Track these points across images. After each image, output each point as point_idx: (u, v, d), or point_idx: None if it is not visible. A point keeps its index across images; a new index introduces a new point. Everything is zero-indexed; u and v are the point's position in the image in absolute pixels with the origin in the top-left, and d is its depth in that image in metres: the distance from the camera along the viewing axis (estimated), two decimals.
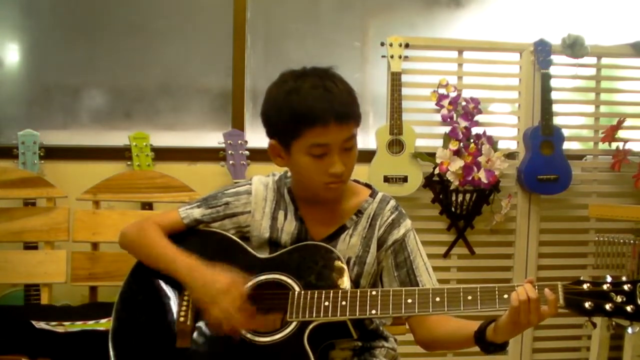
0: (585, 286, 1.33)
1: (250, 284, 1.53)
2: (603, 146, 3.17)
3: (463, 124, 2.94)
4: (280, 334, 1.45)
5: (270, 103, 1.53)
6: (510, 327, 1.36)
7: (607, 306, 1.30)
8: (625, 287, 1.30)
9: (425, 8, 3.38)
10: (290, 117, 1.47)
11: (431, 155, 2.91)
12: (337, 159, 1.49)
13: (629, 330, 1.31)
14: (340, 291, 1.47)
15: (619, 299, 1.30)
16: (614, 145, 3.13)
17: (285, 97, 1.48)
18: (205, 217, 1.64)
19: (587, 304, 1.31)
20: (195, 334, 1.50)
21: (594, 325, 1.33)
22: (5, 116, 2.99)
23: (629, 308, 1.29)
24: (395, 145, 2.90)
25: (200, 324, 1.52)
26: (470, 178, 2.86)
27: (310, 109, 1.44)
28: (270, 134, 1.55)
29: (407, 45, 2.94)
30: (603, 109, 3.23)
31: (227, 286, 1.45)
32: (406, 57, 2.95)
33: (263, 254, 1.61)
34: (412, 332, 1.59)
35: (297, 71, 1.53)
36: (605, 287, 1.32)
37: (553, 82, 3.01)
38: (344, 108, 1.46)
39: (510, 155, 3.06)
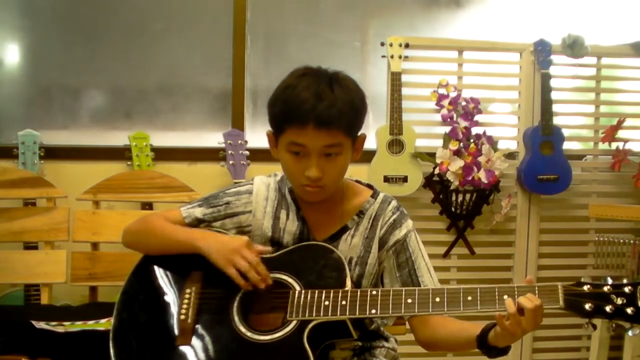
0: (585, 288, 1.32)
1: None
2: (603, 146, 3.16)
3: (463, 124, 2.94)
4: (280, 333, 1.46)
5: (273, 93, 1.55)
6: (509, 338, 1.36)
7: (608, 308, 1.30)
8: (626, 289, 1.30)
9: (425, 8, 3.38)
10: (278, 111, 1.50)
11: (431, 155, 2.91)
12: (314, 163, 1.48)
13: (630, 332, 1.31)
14: (340, 291, 1.47)
15: (619, 300, 1.30)
16: (614, 145, 3.13)
17: (281, 91, 1.51)
18: (207, 217, 1.65)
19: (587, 306, 1.31)
20: (195, 332, 1.50)
21: (594, 327, 1.33)
22: (5, 116, 2.99)
23: (629, 310, 1.29)
24: (395, 145, 2.91)
25: (201, 322, 1.52)
26: (470, 178, 2.86)
27: (294, 107, 1.46)
28: (269, 123, 1.58)
29: (407, 45, 2.94)
30: (603, 109, 3.23)
31: (241, 244, 1.51)
32: (406, 57, 2.95)
33: (264, 254, 1.61)
34: (414, 332, 1.59)
35: (307, 69, 1.54)
36: (605, 288, 1.31)
37: (553, 82, 3.00)
38: (327, 114, 1.45)
39: (510, 155, 3.06)
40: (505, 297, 1.36)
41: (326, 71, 1.53)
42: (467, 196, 2.96)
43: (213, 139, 2.89)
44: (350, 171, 1.60)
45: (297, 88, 1.48)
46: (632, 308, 1.29)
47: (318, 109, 1.44)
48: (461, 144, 2.91)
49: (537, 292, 1.34)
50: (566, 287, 1.34)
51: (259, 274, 1.50)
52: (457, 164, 2.86)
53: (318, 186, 1.52)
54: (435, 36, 3.21)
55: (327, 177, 1.51)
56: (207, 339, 1.50)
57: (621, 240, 2.86)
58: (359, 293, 1.47)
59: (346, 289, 1.48)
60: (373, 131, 2.91)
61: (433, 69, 3.06)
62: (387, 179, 2.90)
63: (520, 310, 1.32)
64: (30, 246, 2.52)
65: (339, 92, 1.48)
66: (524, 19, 3.32)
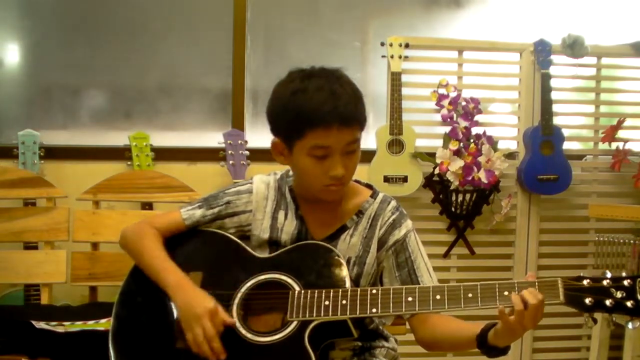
0: (585, 282, 1.33)
1: (247, 286, 1.54)
2: (603, 146, 3.16)
3: (463, 124, 2.94)
4: (281, 334, 1.45)
5: (276, 101, 1.52)
6: (509, 336, 1.35)
7: (607, 302, 1.30)
8: (625, 282, 1.31)
9: (425, 8, 3.38)
10: (294, 117, 1.46)
11: (431, 155, 2.91)
12: (339, 161, 1.48)
13: (629, 325, 1.32)
14: (340, 290, 1.47)
15: (618, 294, 1.30)
16: (614, 145, 3.13)
17: (290, 97, 1.47)
18: (207, 218, 1.64)
19: (587, 300, 1.31)
20: None
21: (595, 321, 1.33)
22: (5, 116, 2.99)
23: (629, 303, 1.29)
24: (395, 145, 2.91)
25: None
26: (470, 178, 2.86)
27: (314, 110, 1.44)
28: (274, 131, 1.55)
29: (407, 45, 2.94)
30: (603, 109, 3.23)
31: (210, 310, 1.45)
32: (406, 57, 2.95)
33: (263, 254, 1.60)
34: (413, 332, 1.59)
35: (305, 70, 1.52)
36: (605, 283, 1.32)
37: (553, 82, 3.01)
38: (348, 111, 1.45)
39: (510, 155, 3.06)
40: (508, 292, 1.35)
41: (326, 69, 1.53)
42: (467, 196, 2.96)
43: (213, 139, 2.89)
44: None
45: (308, 91, 1.46)
46: (631, 301, 1.29)
47: (339, 107, 1.44)
48: (461, 144, 2.91)
49: (537, 287, 1.34)
50: (566, 282, 1.34)
51: (212, 350, 1.44)
52: (457, 164, 2.86)
53: (341, 183, 1.52)
54: (435, 36, 3.21)
55: (348, 173, 1.52)
56: None
57: (621, 240, 2.85)
58: (359, 292, 1.46)
59: (346, 288, 1.48)
60: (373, 131, 2.91)
61: (433, 69, 3.06)
62: (387, 179, 2.90)
63: (524, 304, 1.32)
64: (30, 246, 2.52)
65: (347, 87, 1.49)
66: (524, 19, 3.33)
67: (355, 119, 1.48)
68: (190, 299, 1.48)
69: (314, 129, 1.44)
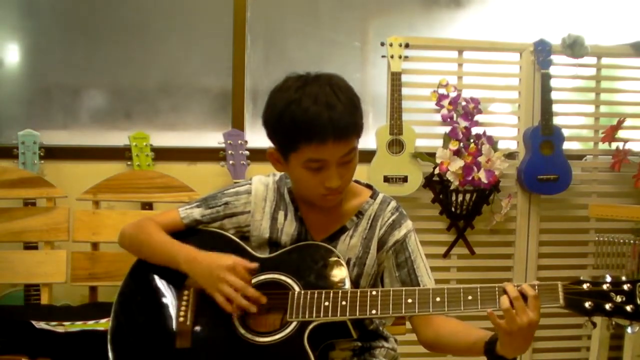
0: (585, 286, 1.33)
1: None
2: (603, 146, 3.16)
3: (463, 124, 2.94)
4: (280, 334, 1.45)
5: (271, 109, 1.50)
6: (509, 340, 1.34)
7: (607, 306, 1.30)
8: (625, 286, 1.31)
9: (425, 8, 3.38)
10: (289, 129, 1.44)
11: (431, 155, 2.91)
12: (334, 173, 1.47)
13: (629, 329, 1.32)
14: (340, 291, 1.47)
15: (618, 298, 1.30)
16: (614, 145, 3.13)
17: (285, 107, 1.45)
18: (205, 218, 1.65)
19: (587, 304, 1.31)
20: (195, 334, 1.50)
21: (594, 324, 1.33)
22: (5, 116, 2.99)
23: (628, 308, 1.29)
24: (395, 145, 2.91)
25: (200, 323, 1.51)
26: (470, 178, 2.86)
27: (308, 123, 1.41)
28: (269, 138, 1.54)
29: (407, 45, 2.94)
30: (603, 109, 3.23)
31: (230, 266, 1.47)
32: (406, 57, 2.94)
33: (262, 254, 1.61)
34: (416, 333, 1.58)
35: (302, 77, 1.49)
36: (605, 286, 1.32)
37: (553, 82, 3.00)
38: (343, 124, 1.43)
39: (510, 155, 3.05)
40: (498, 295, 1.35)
41: (322, 76, 1.49)
42: (467, 196, 2.96)
43: (213, 139, 2.89)
44: None
45: (303, 102, 1.43)
46: (631, 306, 1.29)
47: (334, 121, 1.41)
48: (461, 144, 2.91)
49: (537, 290, 1.34)
50: (566, 285, 1.34)
51: (248, 298, 1.46)
52: (457, 164, 2.86)
53: (338, 192, 1.52)
54: (435, 36, 3.21)
55: (344, 181, 1.51)
56: (206, 341, 1.50)
57: (621, 240, 2.86)
58: (358, 293, 1.46)
59: (346, 289, 1.48)
60: (373, 131, 2.91)
61: (433, 69, 3.06)
62: (387, 179, 2.90)
63: (524, 296, 1.31)
64: (30, 246, 2.52)
65: (342, 97, 1.45)
66: (524, 19, 3.33)
67: (350, 131, 1.45)
68: (206, 265, 1.50)
69: (309, 144, 1.43)
